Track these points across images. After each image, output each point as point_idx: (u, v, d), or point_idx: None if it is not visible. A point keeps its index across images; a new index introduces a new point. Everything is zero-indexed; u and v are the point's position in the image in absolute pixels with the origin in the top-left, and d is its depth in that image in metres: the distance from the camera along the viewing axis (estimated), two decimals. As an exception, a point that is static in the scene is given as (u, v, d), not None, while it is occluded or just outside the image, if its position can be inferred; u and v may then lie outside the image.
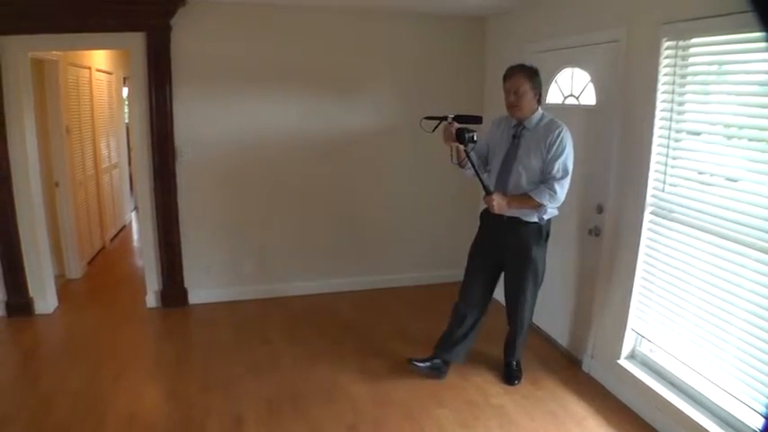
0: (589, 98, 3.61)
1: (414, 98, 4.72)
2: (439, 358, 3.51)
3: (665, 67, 2.88)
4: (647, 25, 2.97)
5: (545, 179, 3.07)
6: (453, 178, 4.82)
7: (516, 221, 3.18)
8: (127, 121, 8.21)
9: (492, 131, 3.38)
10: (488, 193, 3.10)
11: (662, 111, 2.93)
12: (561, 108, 3.85)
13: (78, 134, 5.64)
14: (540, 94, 3.19)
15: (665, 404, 2.93)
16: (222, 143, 4.53)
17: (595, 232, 3.49)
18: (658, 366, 3.12)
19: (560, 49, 3.83)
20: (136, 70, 4.31)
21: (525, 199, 3.09)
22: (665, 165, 2.95)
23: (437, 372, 3.51)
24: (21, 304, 4.48)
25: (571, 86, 3.80)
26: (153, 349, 4.12)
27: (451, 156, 3.20)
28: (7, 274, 4.42)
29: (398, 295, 4.96)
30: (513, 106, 3.13)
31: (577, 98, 3.73)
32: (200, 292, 4.72)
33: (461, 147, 3.09)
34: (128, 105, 8.41)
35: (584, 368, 3.63)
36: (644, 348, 3.24)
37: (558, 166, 3.03)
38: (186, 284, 4.69)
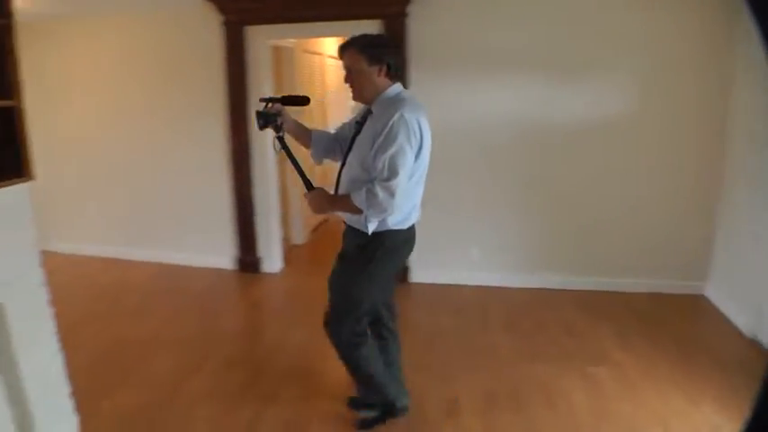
0: None
1: (652, 89, 4.29)
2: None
3: None
4: None
5: (371, 178, 2.38)
6: (685, 174, 4.43)
7: (348, 228, 2.62)
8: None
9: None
10: (308, 189, 2.55)
11: None
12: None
13: (309, 115, 6.19)
14: (390, 67, 2.44)
15: None
16: (456, 128, 4.50)
17: None
18: None
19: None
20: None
21: (347, 201, 2.42)
22: None
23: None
24: (250, 262, 5.14)
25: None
26: (373, 324, 4.31)
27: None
28: (241, 234, 5.10)
29: (620, 300, 4.52)
30: (351, 89, 2.49)
31: None
32: (423, 271, 4.82)
33: (274, 133, 2.55)
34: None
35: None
36: None
37: (382, 162, 2.30)
38: (409, 261, 4.77)
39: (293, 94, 2.66)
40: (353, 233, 2.56)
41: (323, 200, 2.52)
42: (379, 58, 2.40)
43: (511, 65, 4.40)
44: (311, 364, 3.53)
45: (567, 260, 4.74)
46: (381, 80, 2.44)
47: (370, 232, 2.43)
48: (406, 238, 2.59)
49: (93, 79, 5.28)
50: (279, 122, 2.53)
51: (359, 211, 2.39)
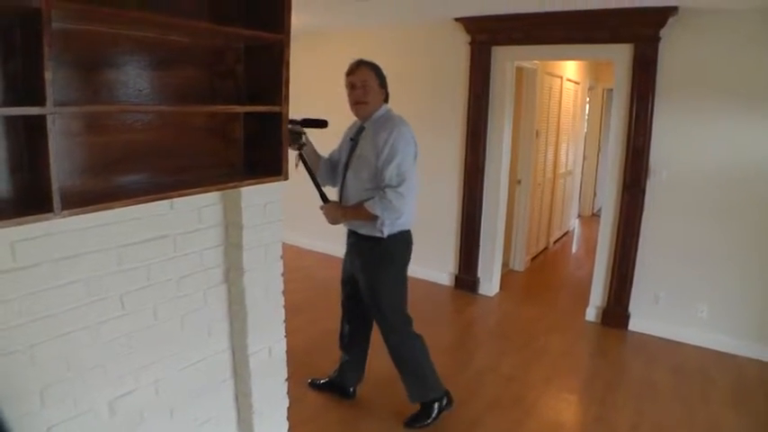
0: None
1: None
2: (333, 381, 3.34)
3: None
4: None
5: (381, 187, 2.69)
6: None
7: (357, 236, 2.88)
8: (585, 130, 8.38)
9: (342, 138, 3.06)
10: (324, 202, 2.88)
11: None
12: None
13: (544, 139, 6.00)
14: (387, 91, 2.86)
15: None
16: (703, 168, 3.99)
17: None
18: None
19: None
20: (619, 82, 4.20)
21: (360, 209, 2.74)
22: None
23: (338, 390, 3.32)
24: (468, 281, 5.13)
25: None
26: (586, 365, 4.00)
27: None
28: (463, 252, 5.10)
29: None
30: (358, 102, 2.78)
31: None
32: (642, 320, 4.37)
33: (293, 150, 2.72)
34: (589, 115, 8.61)
35: None
36: None
37: (390, 172, 2.67)
38: (630, 308, 4.41)
39: (314, 117, 2.80)
40: (361, 242, 2.86)
41: (337, 211, 2.86)
42: (385, 84, 2.84)
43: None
44: (519, 397, 3.39)
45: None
46: (380, 101, 2.83)
47: (386, 235, 2.74)
48: (409, 238, 2.89)
49: (336, 87, 5.66)
50: (302, 141, 2.81)
51: (373, 218, 2.69)
